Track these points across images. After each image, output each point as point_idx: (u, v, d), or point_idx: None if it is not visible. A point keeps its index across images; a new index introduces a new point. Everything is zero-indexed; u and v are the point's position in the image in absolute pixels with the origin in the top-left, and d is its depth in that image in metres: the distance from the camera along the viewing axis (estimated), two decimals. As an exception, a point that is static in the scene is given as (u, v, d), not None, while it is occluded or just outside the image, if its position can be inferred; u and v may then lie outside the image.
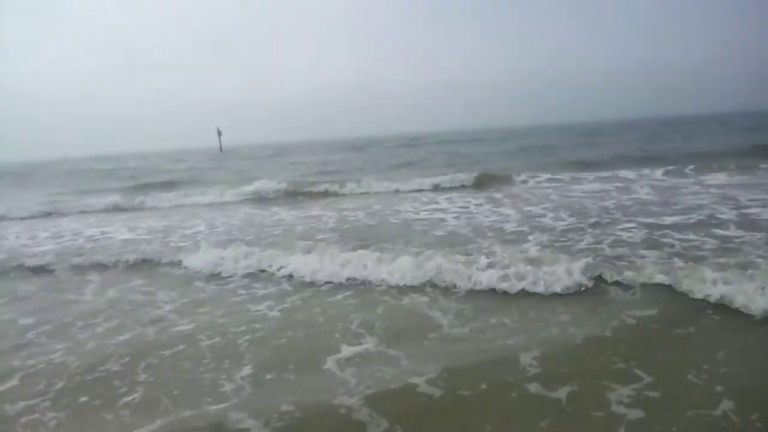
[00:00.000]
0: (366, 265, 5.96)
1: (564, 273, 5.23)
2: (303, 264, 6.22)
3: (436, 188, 13.50)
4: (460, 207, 10.36)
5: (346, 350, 4.17)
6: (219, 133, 58.23)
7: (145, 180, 25.03)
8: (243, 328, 4.74)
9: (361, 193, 13.58)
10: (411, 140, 53.67)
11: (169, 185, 21.59)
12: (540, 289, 5.10)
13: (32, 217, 13.90)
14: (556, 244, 6.70)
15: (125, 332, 4.84)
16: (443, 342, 4.22)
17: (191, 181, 23.23)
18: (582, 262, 5.38)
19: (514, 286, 5.19)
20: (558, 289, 5.06)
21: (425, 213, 9.95)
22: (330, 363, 3.98)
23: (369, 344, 4.27)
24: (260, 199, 14.07)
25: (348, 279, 5.86)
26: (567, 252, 6.21)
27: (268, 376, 3.83)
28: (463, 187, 13.52)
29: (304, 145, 70.69)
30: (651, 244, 6.37)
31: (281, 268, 6.31)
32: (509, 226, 8.03)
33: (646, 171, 13.69)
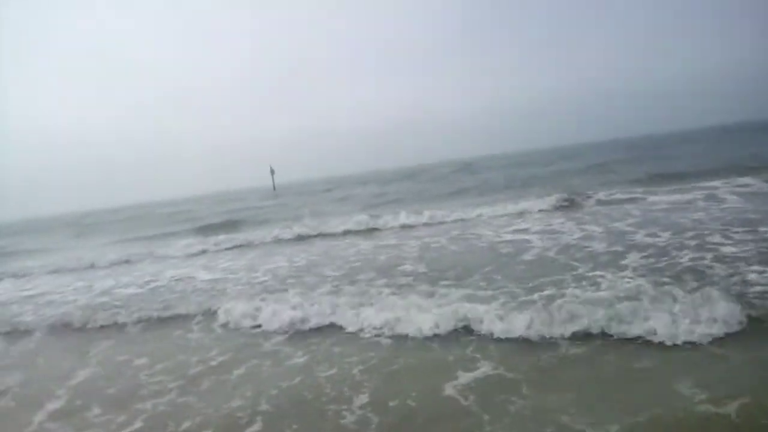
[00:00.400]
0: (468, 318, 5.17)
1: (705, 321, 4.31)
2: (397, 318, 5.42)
3: (509, 211, 12.75)
4: (542, 228, 10.00)
5: (463, 376, 4.09)
6: (272, 172, 59.59)
7: (205, 222, 24.97)
8: (355, 358, 4.73)
9: (429, 223, 12.84)
10: (464, 166, 53.33)
11: (232, 225, 21.63)
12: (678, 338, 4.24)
13: (111, 265, 13.74)
14: (659, 265, 6.20)
15: (240, 366, 4.93)
16: (564, 364, 4.08)
17: (253, 221, 23.12)
18: (722, 305, 4.42)
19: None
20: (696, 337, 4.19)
21: (508, 235, 9.66)
22: (450, 390, 3.91)
23: (486, 368, 4.19)
24: (332, 231, 13.71)
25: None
26: (673, 272, 5.79)
27: (391, 404, 3.79)
28: (535, 208, 12.65)
29: (354, 177, 71.27)
30: (763, 258, 5.88)
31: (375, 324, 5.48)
32: (600, 246, 7.62)
33: (727, 180, 12.85)
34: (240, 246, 14.06)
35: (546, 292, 5.62)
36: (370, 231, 13.14)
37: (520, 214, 12.27)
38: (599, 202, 12.60)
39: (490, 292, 5.87)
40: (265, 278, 8.75)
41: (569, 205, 12.62)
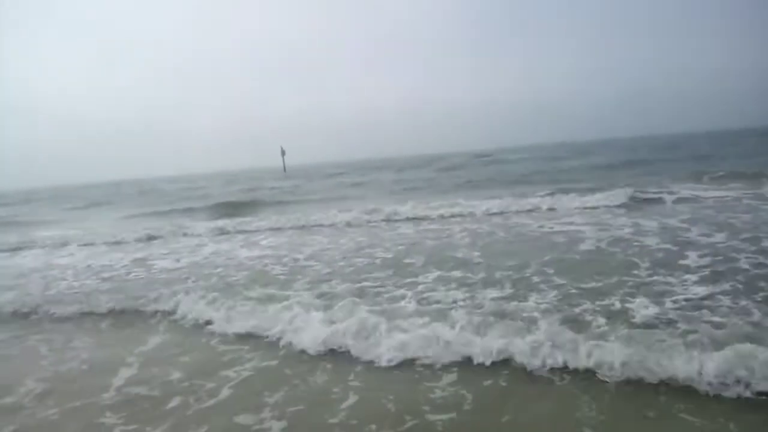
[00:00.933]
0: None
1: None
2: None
3: (555, 204, 12.16)
4: (591, 220, 9.88)
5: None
6: (282, 153, 59.22)
7: (222, 200, 24.56)
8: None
9: (462, 214, 12.07)
10: (476, 156, 53.15)
11: (251, 205, 21.36)
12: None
13: (141, 239, 13.00)
14: (722, 268, 5.87)
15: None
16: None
17: (272, 201, 22.79)
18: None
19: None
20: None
21: (557, 226, 9.55)
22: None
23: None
24: (364, 218, 12.84)
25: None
26: (743, 280, 5.36)
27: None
28: (581, 202, 12.09)
29: (365, 163, 70.42)
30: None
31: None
32: (652, 241, 7.52)
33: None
34: (275, 228, 12.98)
35: (611, 302, 5.08)
36: (410, 219, 12.36)
37: (562, 209, 11.75)
38: (642, 199, 12.08)
39: (546, 300, 5.37)
40: (313, 263, 8.24)
41: (613, 202, 11.81)
